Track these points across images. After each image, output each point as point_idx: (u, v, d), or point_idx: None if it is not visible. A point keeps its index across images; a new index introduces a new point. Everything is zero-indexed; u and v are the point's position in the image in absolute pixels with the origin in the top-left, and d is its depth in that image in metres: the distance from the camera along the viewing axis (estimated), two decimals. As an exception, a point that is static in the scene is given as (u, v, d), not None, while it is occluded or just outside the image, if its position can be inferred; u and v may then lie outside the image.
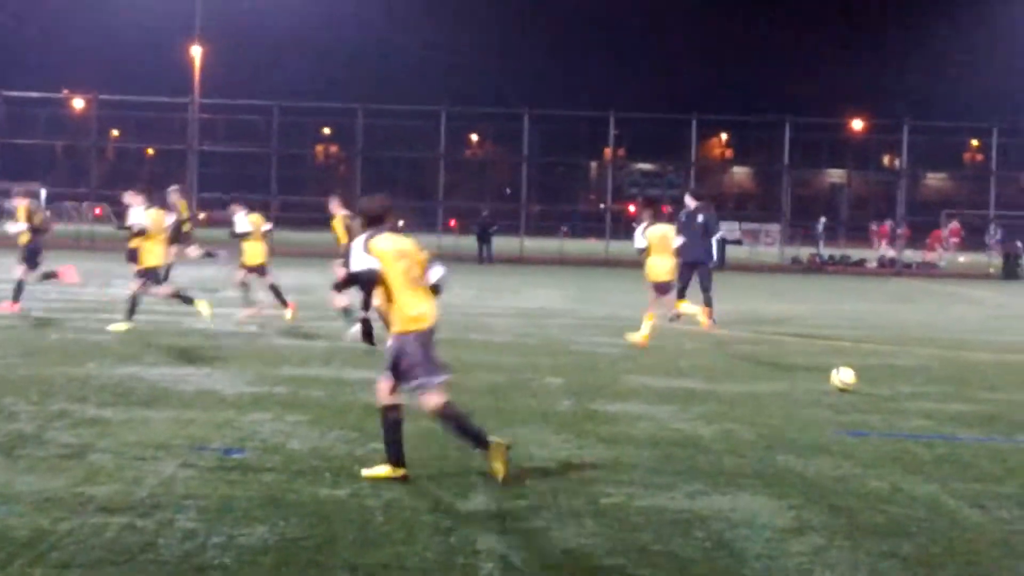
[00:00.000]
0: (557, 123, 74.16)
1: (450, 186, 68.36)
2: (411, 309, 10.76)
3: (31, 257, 24.21)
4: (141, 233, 22.30)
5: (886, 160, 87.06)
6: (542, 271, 51.61)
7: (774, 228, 79.53)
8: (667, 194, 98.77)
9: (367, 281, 10.95)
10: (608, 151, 70.99)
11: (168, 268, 27.99)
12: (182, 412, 13.36)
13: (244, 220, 25.13)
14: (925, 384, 17.88)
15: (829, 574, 8.34)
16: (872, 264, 64.78)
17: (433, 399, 10.82)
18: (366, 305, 10.82)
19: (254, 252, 24.95)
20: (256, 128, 70.95)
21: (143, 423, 12.62)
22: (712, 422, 13.94)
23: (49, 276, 25.00)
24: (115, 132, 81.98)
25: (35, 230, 24.32)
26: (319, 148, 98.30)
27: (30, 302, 25.35)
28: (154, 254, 22.30)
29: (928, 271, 62.50)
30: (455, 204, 72.03)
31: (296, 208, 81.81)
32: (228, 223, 25.63)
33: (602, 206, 72.17)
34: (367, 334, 18.31)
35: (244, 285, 24.92)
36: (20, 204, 24.74)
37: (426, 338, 10.80)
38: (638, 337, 22.11)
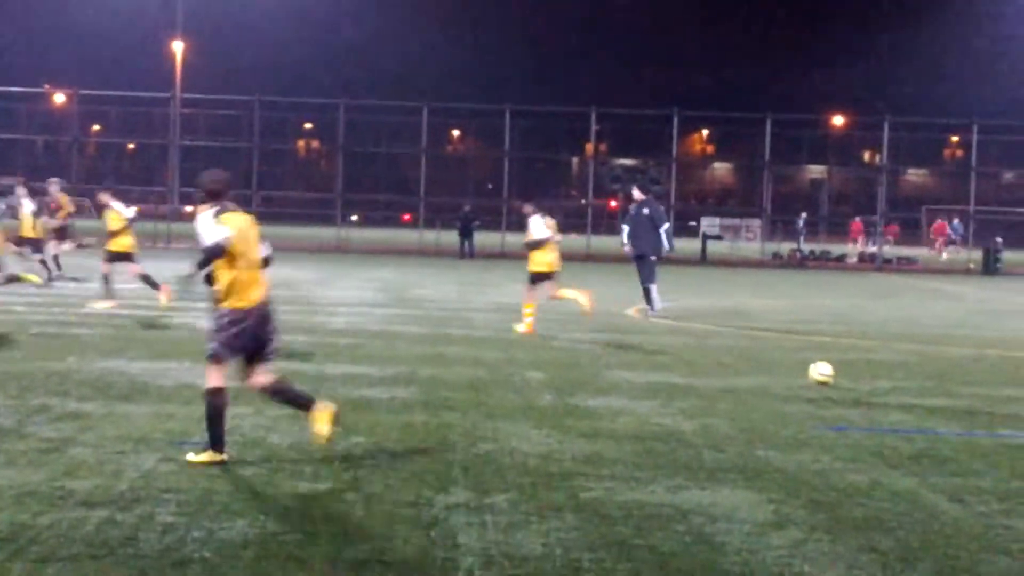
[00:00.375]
0: (538, 119, 74.19)
1: (432, 181, 68.25)
2: (248, 284, 10.93)
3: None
4: None
5: (867, 156, 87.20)
6: (524, 266, 51.54)
7: (755, 224, 79.67)
8: (649, 190, 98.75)
9: (214, 253, 10.91)
10: (589, 146, 71.00)
11: (55, 257, 28.16)
12: (162, 406, 13.36)
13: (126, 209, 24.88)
14: (905, 379, 17.92)
15: (808, 568, 8.36)
16: (853, 260, 64.93)
17: (258, 375, 10.96)
18: (209, 280, 10.97)
19: (121, 241, 24.80)
20: (238, 123, 70.84)
21: (123, 417, 12.60)
22: (693, 417, 13.96)
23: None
24: (96, 127, 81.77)
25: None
26: (301, 143, 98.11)
27: (10, 296, 25.28)
28: None
29: (908, 266, 62.59)
30: (437, 200, 71.89)
31: (278, 203, 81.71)
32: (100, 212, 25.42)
33: (583, 201, 72.07)
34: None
35: (107, 277, 24.78)
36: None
37: (260, 313, 10.90)
38: (523, 327, 22.86)
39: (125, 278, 25.34)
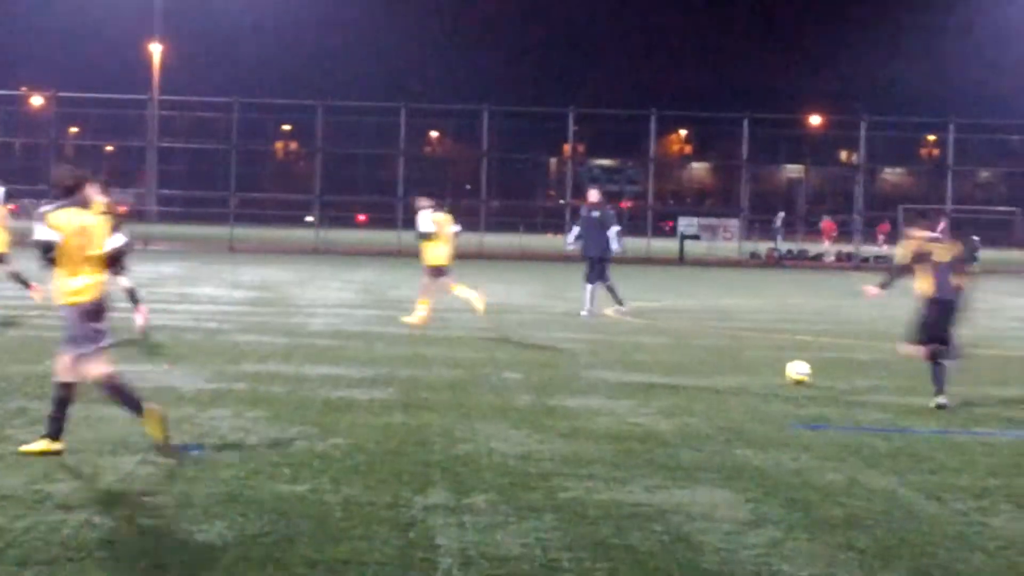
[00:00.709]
0: (516, 119, 74.20)
1: (410, 182, 68.21)
2: (77, 283, 11.07)
3: None
4: None
5: (844, 155, 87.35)
6: (502, 266, 51.63)
7: (732, 223, 79.72)
8: (627, 190, 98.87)
9: (44, 251, 11.12)
10: (567, 147, 71.05)
11: None
12: (141, 409, 13.32)
13: None
14: (882, 378, 17.99)
15: (787, 566, 8.38)
16: (830, 259, 65.08)
17: (93, 368, 11.11)
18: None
19: None
20: (216, 124, 70.70)
21: (101, 420, 12.57)
22: (671, 416, 13.99)
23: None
24: (74, 129, 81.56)
25: None
26: (279, 144, 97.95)
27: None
28: None
29: (885, 265, 62.68)
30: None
31: (256, 204, 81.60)
32: None
33: (562, 202, 72.11)
34: None
35: None
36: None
37: (89, 310, 11.08)
38: (415, 319, 23.52)
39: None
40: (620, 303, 26.93)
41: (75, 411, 12.92)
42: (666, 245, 66.68)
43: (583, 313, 26.66)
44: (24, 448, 10.89)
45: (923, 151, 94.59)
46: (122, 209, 23.24)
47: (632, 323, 25.43)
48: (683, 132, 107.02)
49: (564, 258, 55.02)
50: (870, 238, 74.76)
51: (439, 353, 19.21)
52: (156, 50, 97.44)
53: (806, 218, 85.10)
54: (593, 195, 28.37)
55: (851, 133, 69.09)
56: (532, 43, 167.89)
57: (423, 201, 24.09)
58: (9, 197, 27.58)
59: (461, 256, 55.94)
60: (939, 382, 15.64)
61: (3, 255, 24.16)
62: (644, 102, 70.50)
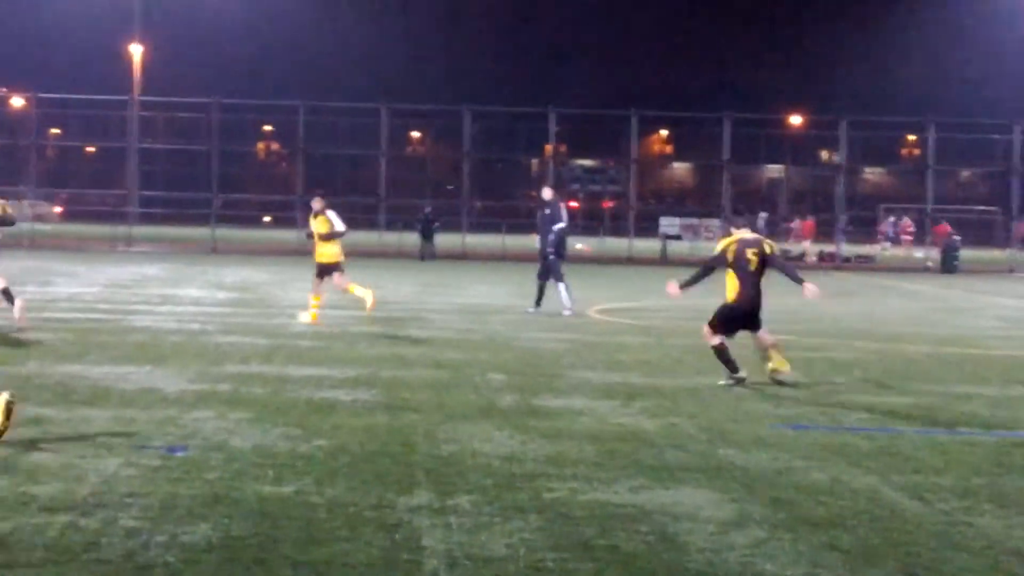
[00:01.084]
0: (497, 119, 74.19)
1: (392, 183, 68.21)
2: None
3: None
4: None
5: (824, 155, 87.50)
6: (484, 267, 51.65)
7: (714, 223, 79.73)
8: (608, 189, 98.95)
9: None
10: (548, 147, 71.07)
11: None
12: (124, 410, 13.31)
13: None
14: (864, 377, 18.04)
15: (770, 566, 8.39)
16: (811, 259, 65.16)
17: None
18: None
19: None
20: (197, 125, 70.60)
21: (85, 422, 12.56)
22: (654, 416, 14.01)
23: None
24: (55, 130, 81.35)
25: None
26: (261, 145, 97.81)
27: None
28: None
29: (866, 265, 62.86)
30: (397, 201, 71.85)
31: (238, 205, 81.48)
32: None
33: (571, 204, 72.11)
34: None
35: None
36: None
37: None
38: (307, 317, 23.84)
39: None
40: (537, 305, 27.29)
41: (59, 413, 12.94)
42: (648, 245, 66.71)
43: (566, 312, 26.75)
44: None
45: (903, 151, 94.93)
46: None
47: (615, 323, 25.46)
48: (664, 132, 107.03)
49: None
50: (854, 238, 74.93)
51: (422, 354, 19.21)
52: (136, 51, 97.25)
53: (786, 218, 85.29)
54: (546, 193, 28.74)
55: (832, 133, 69.22)
56: (513, 43, 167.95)
57: (319, 202, 24.64)
58: None
59: (446, 256, 56.09)
60: (731, 363, 16.88)
61: None
62: (625, 102, 70.55)
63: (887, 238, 78.17)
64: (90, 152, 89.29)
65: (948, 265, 58.21)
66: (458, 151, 67.69)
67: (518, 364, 18.36)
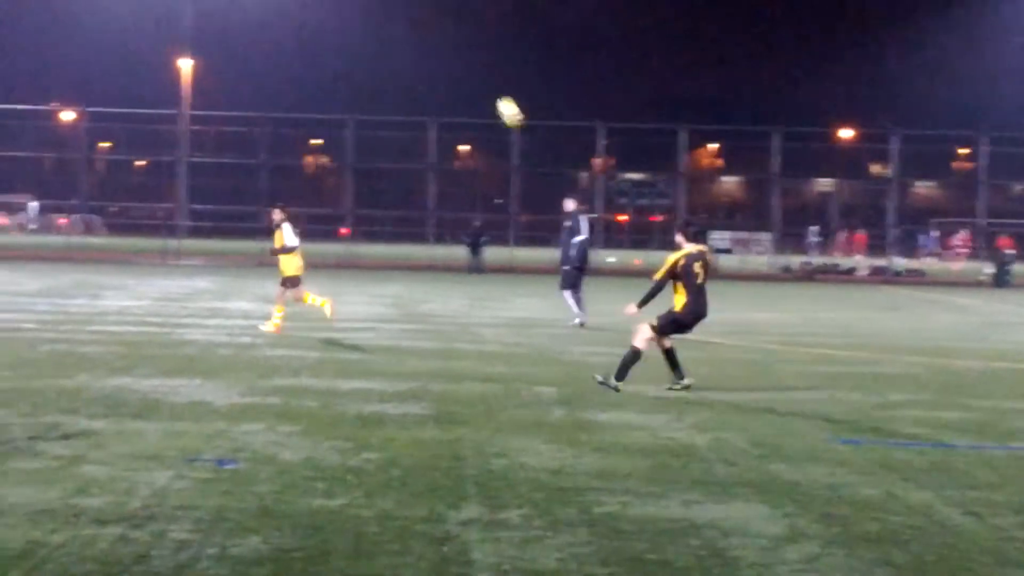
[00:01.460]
0: (546, 133, 74.16)
1: (440, 196, 68.29)
2: None
3: None
4: None
5: (875, 169, 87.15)
6: (533, 281, 51.61)
7: (764, 237, 79.55)
8: (657, 203, 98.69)
9: None
10: (597, 161, 70.97)
11: None
12: (174, 423, 13.34)
13: None
14: (916, 392, 17.90)
15: (823, 582, 8.34)
16: (862, 272, 64.84)
17: None
18: None
19: None
20: (246, 139, 70.95)
21: (135, 434, 12.59)
22: (705, 431, 13.94)
23: None
24: (105, 144, 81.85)
25: None
26: (309, 159, 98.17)
27: (20, 314, 25.34)
28: None
29: (917, 279, 62.48)
30: (445, 215, 71.91)
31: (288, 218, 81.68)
32: None
33: (592, 216, 71.91)
34: None
35: None
36: None
37: None
38: (271, 327, 24.03)
39: None
40: (580, 318, 27.47)
41: (109, 426, 12.99)
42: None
43: (576, 322, 27.12)
44: None
45: (955, 164, 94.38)
46: None
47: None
48: (714, 146, 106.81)
49: (595, 272, 54.96)
50: (905, 251, 74.60)
51: (471, 367, 19.19)
52: (186, 65, 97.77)
53: (836, 231, 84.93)
54: (567, 204, 28.64)
55: (882, 146, 68.90)
56: (562, 57, 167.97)
57: (278, 214, 24.89)
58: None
59: (495, 270, 56.04)
60: (678, 369, 17.38)
61: None
62: (675, 116, 70.43)
63: (929, 252, 77.81)
64: (139, 166, 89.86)
65: (1001, 280, 57.78)
66: (506, 165, 67.67)
67: (567, 378, 18.31)
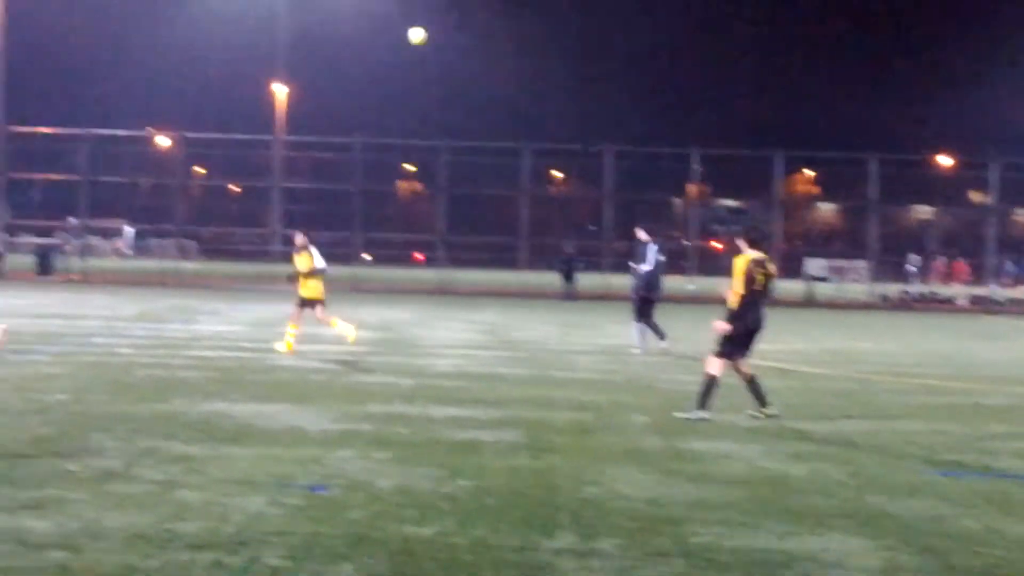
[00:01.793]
0: (639, 159, 73.86)
1: (533, 222, 68.27)
2: None
3: None
4: None
5: (974, 196, 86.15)
6: (626, 307, 51.37)
7: (860, 265, 78.74)
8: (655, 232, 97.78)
9: None
10: (691, 187, 70.68)
11: None
12: (268, 448, 13.35)
13: None
14: (1018, 423, 17.61)
15: (925, 617, 8.18)
16: (962, 301, 64.05)
17: None
18: None
19: None
20: (340, 165, 71.26)
21: (229, 460, 12.62)
22: (801, 461, 13.77)
23: None
24: (201, 169, 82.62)
25: None
26: (402, 184, 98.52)
27: (117, 338, 25.56)
28: None
29: (1019, 308, 61.59)
30: (538, 241, 71.87)
31: (380, 245, 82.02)
32: None
33: (685, 243, 71.63)
34: None
35: None
36: None
37: None
38: (283, 347, 24.50)
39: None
40: (662, 339, 27.62)
41: (203, 451, 13.02)
42: (793, 287, 66.02)
43: (635, 351, 27.25)
44: None
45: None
46: None
47: (759, 366, 25.12)
48: (810, 173, 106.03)
49: (690, 299, 54.69)
50: (1007, 281, 73.75)
51: (565, 395, 19.10)
52: (280, 91, 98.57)
53: (934, 259, 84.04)
54: (639, 234, 28.53)
55: (982, 174, 68.04)
56: (655, 83, 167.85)
57: (301, 238, 25.62)
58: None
59: (588, 297, 55.93)
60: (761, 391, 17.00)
61: None
62: (770, 142, 69.95)
63: (1012, 278, 76.67)
64: (234, 191, 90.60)
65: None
66: (600, 191, 67.53)
67: (661, 406, 18.16)
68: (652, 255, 27.77)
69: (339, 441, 14.04)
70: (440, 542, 9.62)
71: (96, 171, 68.33)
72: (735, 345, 16.86)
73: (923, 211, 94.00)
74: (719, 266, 63.13)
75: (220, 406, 16.52)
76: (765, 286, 16.90)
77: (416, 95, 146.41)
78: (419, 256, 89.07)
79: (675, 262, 63.55)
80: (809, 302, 59.62)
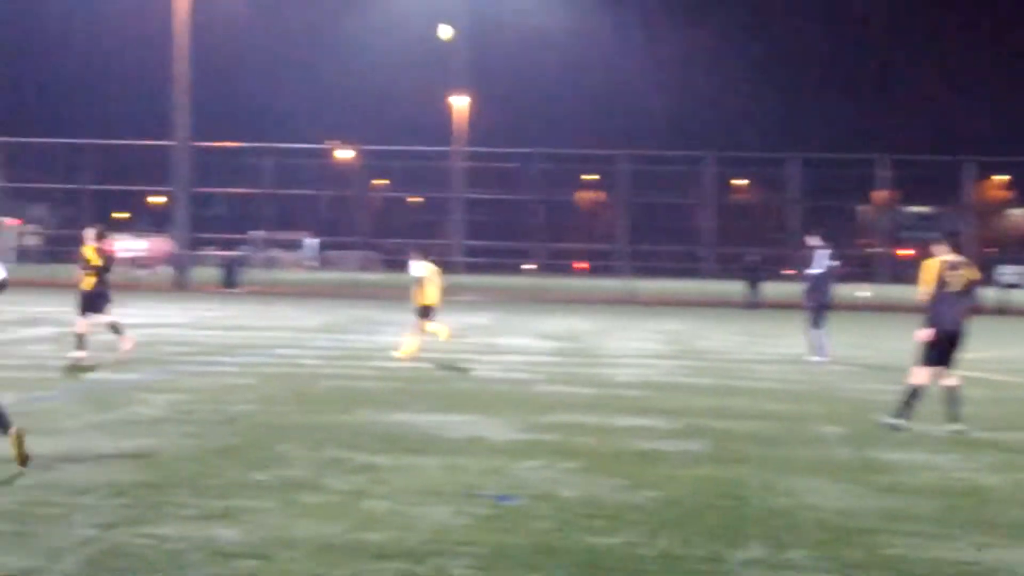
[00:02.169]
0: (825, 166, 72.96)
1: (715, 231, 67.81)
2: None
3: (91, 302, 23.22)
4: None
5: None
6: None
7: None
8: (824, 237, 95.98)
9: None
10: (878, 193, 69.59)
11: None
12: (453, 458, 13.34)
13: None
14: None
15: None
16: None
17: None
18: None
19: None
20: (519, 175, 71.51)
21: (415, 470, 12.62)
22: (997, 471, 13.40)
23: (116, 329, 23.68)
24: (381, 181, 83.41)
25: (98, 272, 23.19)
26: (583, 194, 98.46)
27: (301, 350, 25.85)
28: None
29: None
30: (721, 249, 71.33)
31: (561, 255, 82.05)
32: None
33: (871, 250, 70.56)
34: None
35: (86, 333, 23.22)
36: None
37: None
38: (402, 353, 25.10)
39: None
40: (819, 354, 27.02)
41: (389, 461, 13.04)
42: (987, 294, 64.54)
43: (814, 359, 26.73)
44: None
45: None
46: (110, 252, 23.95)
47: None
48: (1002, 178, 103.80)
49: (880, 307, 53.86)
50: None
51: (749, 405, 18.85)
52: (459, 102, 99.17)
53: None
54: (809, 240, 28.29)
55: None
56: (840, 89, 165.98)
57: (416, 252, 26.63)
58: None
59: (774, 305, 55.31)
60: (956, 406, 16.37)
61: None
62: (959, 148, 68.60)
63: None
64: (414, 202, 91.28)
65: None
66: (784, 198, 66.82)
67: (851, 416, 17.84)
68: (822, 260, 27.36)
69: (524, 451, 13.98)
70: (627, 553, 9.49)
71: (278, 184, 69.43)
72: (937, 352, 16.32)
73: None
74: (907, 273, 62.10)
75: (404, 416, 16.58)
76: (966, 289, 16.32)
77: (596, 104, 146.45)
78: (583, 265, 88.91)
79: (858, 269, 62.60)
80: (1003, 310, 58.08)
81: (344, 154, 78.47)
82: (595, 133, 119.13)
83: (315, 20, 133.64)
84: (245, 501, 10.92)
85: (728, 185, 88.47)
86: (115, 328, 23.37)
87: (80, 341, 22.64)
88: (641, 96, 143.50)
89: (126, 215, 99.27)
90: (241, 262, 67.10)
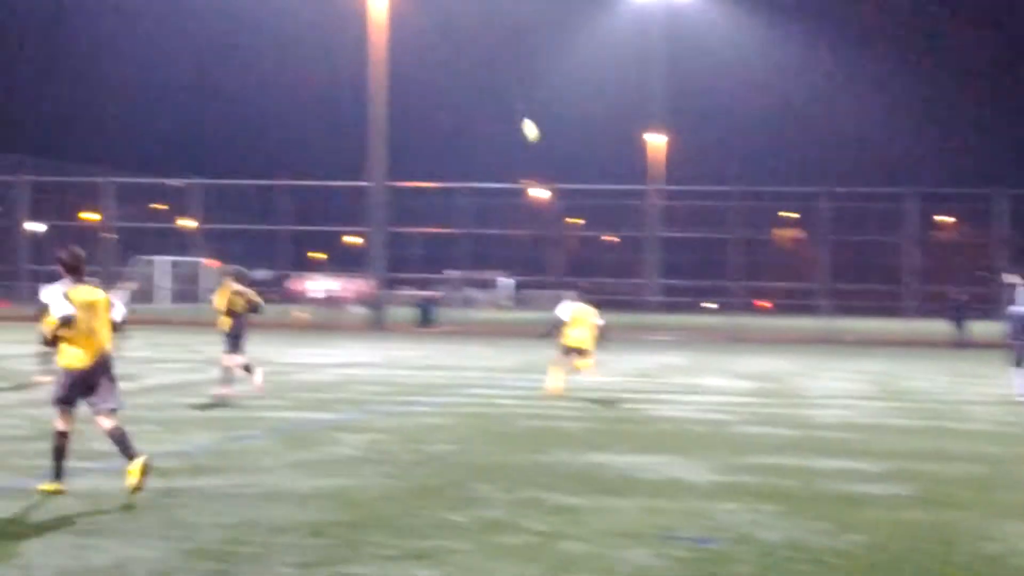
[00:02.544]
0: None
1: (919, 269, 66.51)
2: (78, 351, 12.56)
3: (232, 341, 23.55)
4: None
5: None
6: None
7: None
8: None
9: (64, 325, 12.46)
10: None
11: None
12: (651, 500, 13.12)
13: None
14: None
15: None
16: None
17: (103, 421, 12.73)
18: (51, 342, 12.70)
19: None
20: (717, 213, 70.93)
21: (613, 511, 12.42)
22: None
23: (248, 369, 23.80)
24: (576, 220, 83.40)
25: (235, 314, 23.45)
26: (782, 232, 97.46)
27: (497, 389, 25.83)
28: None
29: None
30: (924, 288, 69.87)
31: (759, 293, 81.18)
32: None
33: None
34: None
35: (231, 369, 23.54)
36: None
37: (86, 374, 12.61)
38: (551, 386, 25.37)
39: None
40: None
41: (586, 502, 12.84)
42: None
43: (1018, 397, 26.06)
44: (40, 487, 12.63)
45: None
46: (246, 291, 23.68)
47: None
48: None
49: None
50: None
51: (960, 447, 18.30)
52: (656, 140, 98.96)
53: None
54: (1005, 278, 27.62)
55: None
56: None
57: (570, 293, 26.74)
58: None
59: (983, 345, 54.03)
60: None
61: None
62: None
63: None
64: (609, 241, 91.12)
65: None
66: (992, 234, 65.28)
67: (1063, 458, 17.23)
68: (1020, 295, 26.71)
69: (724, 493, 13.70)
70: (832, 600, 9.18)
71: (473, 223, 69.74)
72: None
73: None
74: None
75: (601, 457, 16.38)
76: None
77: (794, 140, 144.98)
78: (765, 304, 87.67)
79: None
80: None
81: (539, 193, 78.65)
82: (794, 170, 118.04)
83: (509, 58, 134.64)
84: (443, 541, 10.83)
85: (931, 221, 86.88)
86: (247, 368, 23.61)
87: (226, 374, 23.27)
88: (841, 131, 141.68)
89: (322, 255, 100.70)
90: (436, 302, 67.52)
